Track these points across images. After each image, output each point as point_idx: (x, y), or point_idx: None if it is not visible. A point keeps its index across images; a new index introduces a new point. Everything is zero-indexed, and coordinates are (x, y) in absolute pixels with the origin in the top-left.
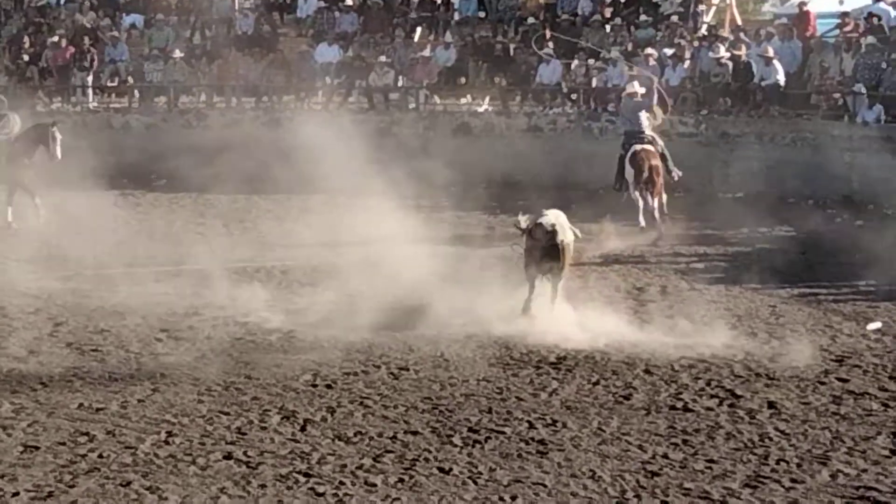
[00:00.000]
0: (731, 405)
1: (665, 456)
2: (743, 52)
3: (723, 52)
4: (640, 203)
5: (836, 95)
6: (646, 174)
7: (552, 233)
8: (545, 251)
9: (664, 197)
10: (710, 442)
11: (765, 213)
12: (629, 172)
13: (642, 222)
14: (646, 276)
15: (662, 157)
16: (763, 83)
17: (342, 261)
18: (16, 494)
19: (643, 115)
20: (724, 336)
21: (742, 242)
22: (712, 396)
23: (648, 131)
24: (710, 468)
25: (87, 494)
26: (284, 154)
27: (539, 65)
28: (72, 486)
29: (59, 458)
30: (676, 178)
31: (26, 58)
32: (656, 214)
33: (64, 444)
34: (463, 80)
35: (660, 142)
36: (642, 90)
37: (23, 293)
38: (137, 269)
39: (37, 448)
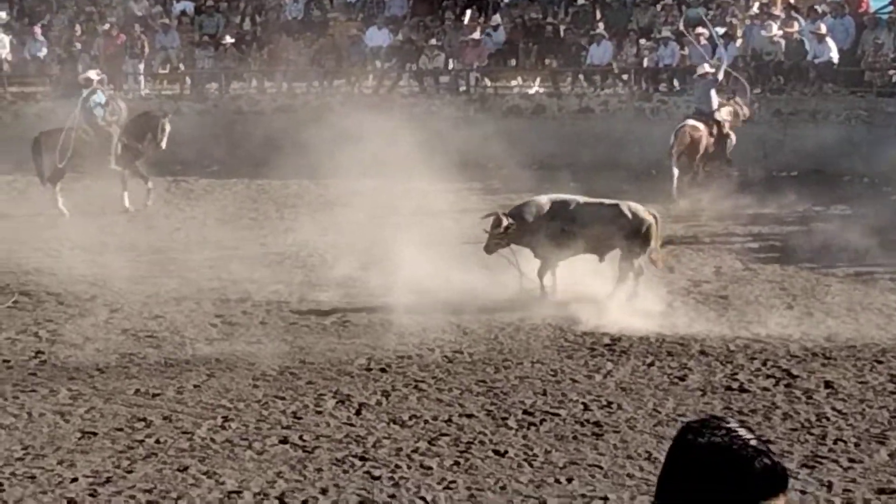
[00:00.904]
0: (787, 385)
1: None
2: (795, 29)
3: (775, 30)
4: (675, 172)
5: (891, 72)
6: (681, 147)
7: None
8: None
9: (702, 171)
10: (767, 422)
11: (819, 191)
12: (671, 143)
13: (674, 193)
14: (699, 257)
15: (721, 136)
16: (816, 61)
17: (393, 245)
18: (74, 480)
19: (713, 94)
20: (780, 316)
21: (797, 221)
22: (768, 377)
23: (718, 111)
24: (751, 428)
25: (144, 479)
26: (336, 139)
27: (590, 45)
28: (129, 472)
29: (116, 443)
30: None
31: (78, 46)
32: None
33: (121, 429)
34: (513, 61)
35: (726, 125)
36: (713, 70)
37: (78, 280)
38: (192, 255)
39: (94, 434)
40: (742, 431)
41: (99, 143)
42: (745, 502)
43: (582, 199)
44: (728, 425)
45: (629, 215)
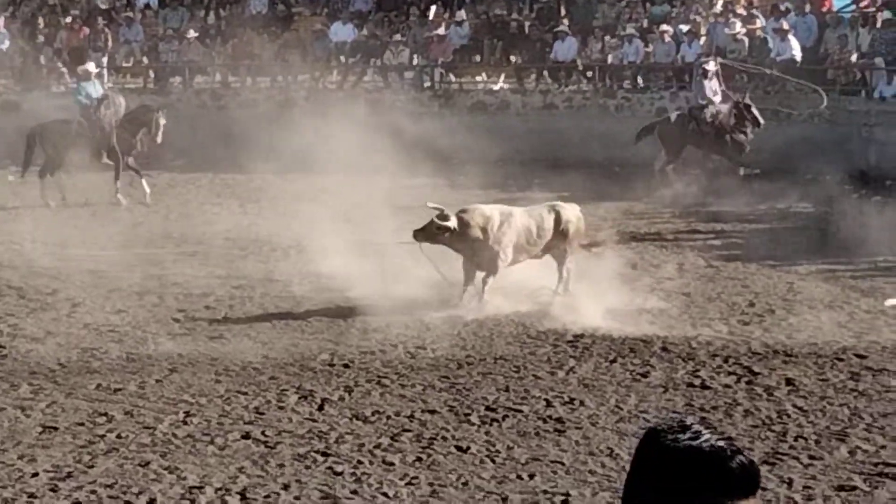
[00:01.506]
0: (748, 382)
1: None
2: (758, 26)
3: (738, 27)
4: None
5: (854, 70)
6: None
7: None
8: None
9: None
10: (728, 419)
11: (782, 189)
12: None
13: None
14: (662, 254)
15: (718, 132)
16: (779, 58)
17: (357, 240)
18: (35, 475)
19: (710, 90)
20: (742, 313)
21: (759, 219)
22: (730, 374)
23: (713, 103)
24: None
25: (106, 474)
26: (299, 134)
27: (554, 42)
28: (91, 467)
29: (77, 438)
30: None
31: (41, 39)
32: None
33: (82, 424)
34: (478, 57)
35: (724, 121)
36: (716, 67)
37: (40, 274)
38: (155, 249)
39: (55, 429)
40: (708, 433)
41: (94, 136)
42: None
43: (518, 209)
44: (696, 427)
45: (571, 217)
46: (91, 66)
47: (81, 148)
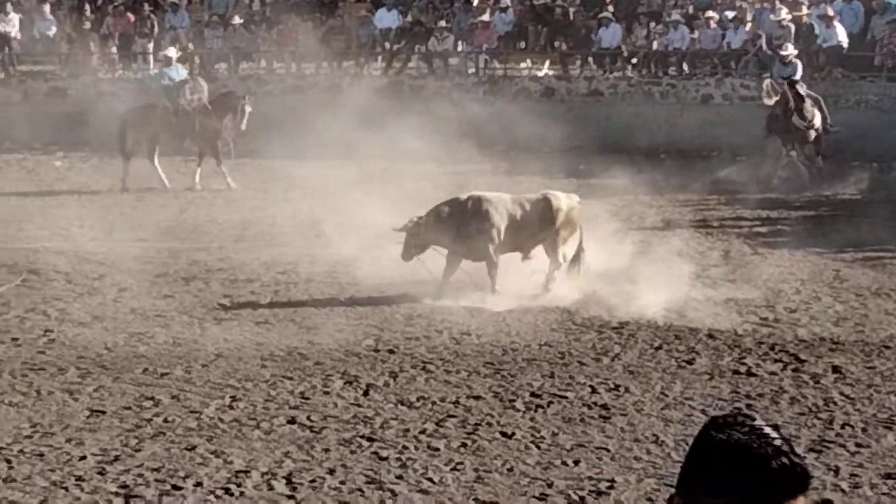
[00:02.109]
0: (795, 370)
1: None
2: (804, 13)
3: (784, 14)
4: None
5: None
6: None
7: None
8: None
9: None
10: (775, 406)
11: (828, 175)
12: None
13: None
14: (708, 241)
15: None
16: (825, 45)
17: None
18: (83, 458)
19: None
20: (788, 300)
21: (805, 206)
22: (776, 361)
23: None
24: (777, 426)
25: (152, 458)
26: (343, 120)
27: (599, 28)
28: (138, 450)
29: (124, 422)
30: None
31: (87, 25)
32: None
33: (129, 408)
34: (523, 44)
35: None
36: (795, 52)
37: (87, 259)
38: (201, 235)
39: (103, 412)
40: (766, 430)
41: (178, 122)
42: (760, 501)
43: (506, 196)
44: (752, 423)
45: (562, 206)
46: (172, 52)
47: (166, 133)
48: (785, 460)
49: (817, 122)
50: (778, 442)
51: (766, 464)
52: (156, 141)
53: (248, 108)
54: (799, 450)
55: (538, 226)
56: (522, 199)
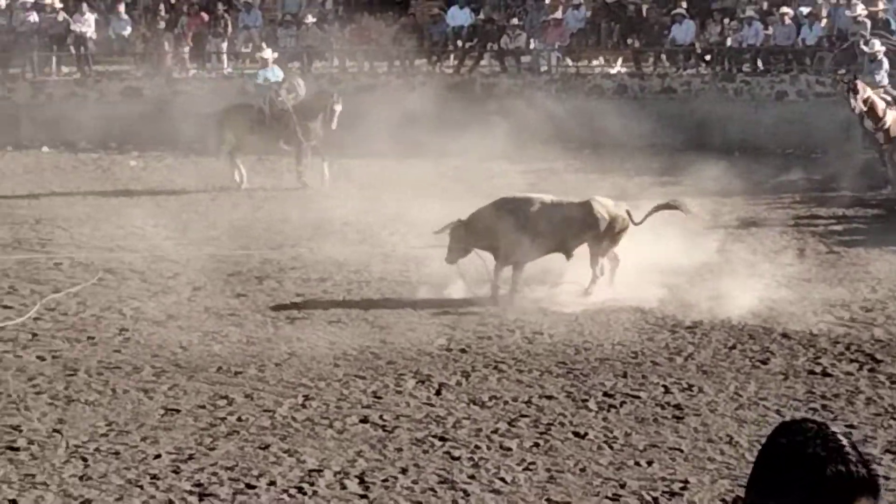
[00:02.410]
0: (871, 370)
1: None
2: (880, 8)
3: (860, 9)
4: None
5: None
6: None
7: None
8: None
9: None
10: (850, 407)
11: None
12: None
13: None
14: (783, 239)
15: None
16: None
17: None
18: (157, 457)
19: (879, 75)
20: (863, 300)
21: (882, 204)
22: (852, 361)
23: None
24: (849, 433)
25: (226, 457)
26: (415, 118)
27: (672, 25)
28: (212, 449)
29: (199, 420)
30: None
31: (162, 25)
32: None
33: (203, 407)
34: (595, 41)
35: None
36: (882, 49)
37: (162, 258)
38: (274, 234)
39: (177, 411)
40: (830, 435)
41: (275, 122)
42: None
43: (547, 197)
44: (818, 427)
45: (603, 213)
46: (268, 53)
47: (261, 132)
48: (841, 467)
49: (888, 122)
50: (838, 447)
51: (820, 469)
52: (244, 140)
53: (337, 107)
54: (868, 456)
55: (577, 230)
56: (564, 201)
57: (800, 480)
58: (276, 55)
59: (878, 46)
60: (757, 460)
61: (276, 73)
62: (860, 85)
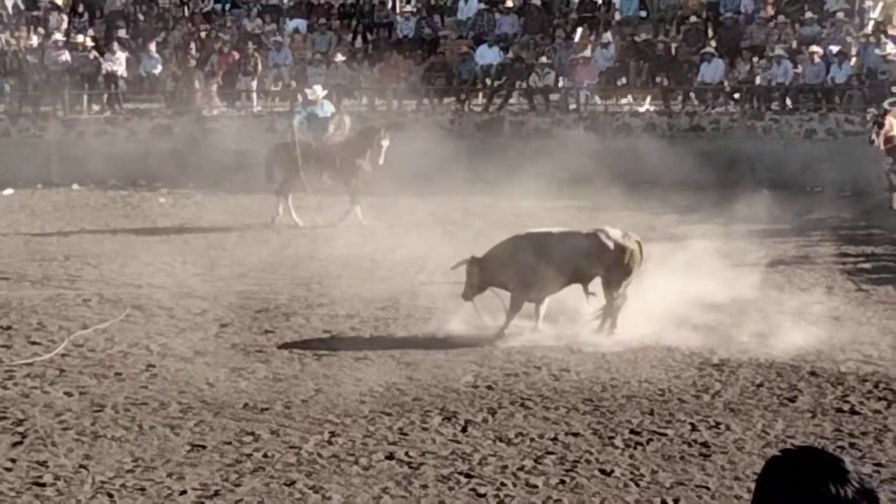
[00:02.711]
0: None
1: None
2: None
3: (890, 48)
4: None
5: None
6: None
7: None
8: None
9: None
10: (878, 445)
11: None
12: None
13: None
14: (811, 276)
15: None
16: None
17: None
18: (183, 493)
19: None
20: (893, 338)
21: None
22: (880, 399)
23: None
24: (878, 472)
25: (252, 493)
26: (444, 156)
27: (701, 63)
28: (237, 485)
29: (224, 457)
30: None
31: (193, 63)
32: None
33: (230, 443)
34: (624, 79)
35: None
36: None
37: (189, 294)
38: (302, 270)
39: (203, 447)
40: (831, 461)
41: (319, 158)
42: None
43: (556, 230)
44: (814, 454)
45: (609, 244)
46: (318, 90)
47: (308, 169)
48: (822, 488)
49: None
50: (839, 471)
51: (823, 497)
52: (291, 177)
53: (384, 143)
54: (867, 478)
55: (586, 262)
56: (574, 233)
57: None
58: (325, 92)
59: None
60: (755, 491)
61: (325, 109)
62: (889, 120)
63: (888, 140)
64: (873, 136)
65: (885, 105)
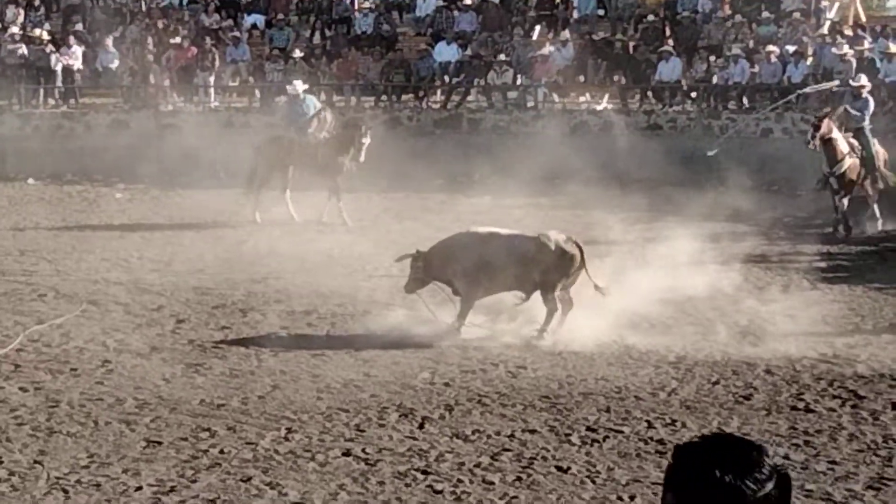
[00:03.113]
0: (853, 406)
1: (786, 457)
2: (866, 47)
3: (846, 48)
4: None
5: None
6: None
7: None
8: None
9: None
10: (833, 443)
11: (890, 211)
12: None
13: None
14: (767, 275)
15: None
16: (888, 80)
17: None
18: (139, 489)
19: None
20: (847, 336)
21: (866, 241)
22: (835, 397)
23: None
24: (832, 469)
25: (208, 489)
26: (403, 153)
27: (658, 62)
28: (193, 481)
29: (181, 453)
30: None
31: (150, 58)
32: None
33: (186, 439)
34: (582, 78)
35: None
36: (868, 85)
37: (146, 290)
38: (258, 267)
39: (159, 443)
40: (740, 448)
41: (304, 154)
42: None
43: (504, 231)
44: (715, 444)
45: (551, 247)
46: (298, 86)
47: (292, 165)
48: (747, 486)
49: (843, 167)
50: (747, 463)
51: (729, 489)
52: (273, 172)
53: (365, 140)
54: (779, 460)
55: (526, 264)
56: (518, 236)
57: (680, 486)
58: (306, 86)
59: (864, 81)
60: (664, 485)
61: (306, 106)
62: (826, 123)
63: (825, 142)
64: (808, 139)
65: (807, 90)
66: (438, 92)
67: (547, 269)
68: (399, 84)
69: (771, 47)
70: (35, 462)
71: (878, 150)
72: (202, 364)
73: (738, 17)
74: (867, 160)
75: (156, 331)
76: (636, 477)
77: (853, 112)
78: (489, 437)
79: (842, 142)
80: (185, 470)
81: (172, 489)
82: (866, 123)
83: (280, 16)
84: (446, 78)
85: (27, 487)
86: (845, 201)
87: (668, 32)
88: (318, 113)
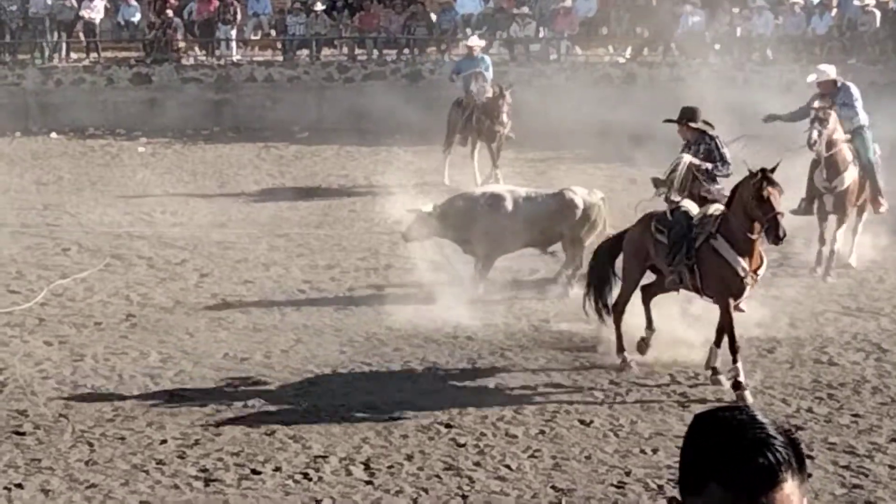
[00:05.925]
0: (877, 359)
1: (809, 410)
2: None
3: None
4: None
5: None
6: None
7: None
8: None
9: None
10: (856, 396)
11: None
12: None
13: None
14: (790, 229)
15: None
16: None
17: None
18: (163, 442)
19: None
20: (871, 289)
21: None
22: (858, 350)
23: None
24: (855, 422)
25: (232, 442)
26: (424, 107)
27: (682, 14)
28: (218, 435)
29: (205, 406)
30: None
31: (170, 12)
32: None
33: (210, 393)
34: (605, 30)
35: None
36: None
37: (169, 244)
38: (281, 222)
39: (183, 397)
40: (751, 423)
41: (462, 116)
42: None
43: (523, 190)
44: (737, 418)
45: (577, 201)
46: (474, 41)
47: (460, 127)
48: (763, 459)
49: (846, 182)
50: (761, 436)
51: (743, 460)
52: (452, 134)
53: (507, 99)
54: (793, 433)
55: (551, 221)
56: (539, 193)
57: (723, 474)
58: (483, 43)
59: (824, 68)
60: (681, 459)
61: (475, 65)
62: (833, 118)
63: (831, 145)
64: (814, 136)
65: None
66: (461, 45)
67: (573, 225)
68: (421, 37)
69: None
70: (60, 416)
71: (878, 161)
72: (225, 318)
73: None
74: (868, 169)
75: (179, 285)
76: (659, 430)
77: (843, 111)
78: (512, 390)
79: (846, 146)
80: (208, 423)
81: (196, 442)
82: (863, 120)
83: None
84: (468, 30)
85: (52, 441)
86: (839, 233)
87: None
88: (478, 76)
